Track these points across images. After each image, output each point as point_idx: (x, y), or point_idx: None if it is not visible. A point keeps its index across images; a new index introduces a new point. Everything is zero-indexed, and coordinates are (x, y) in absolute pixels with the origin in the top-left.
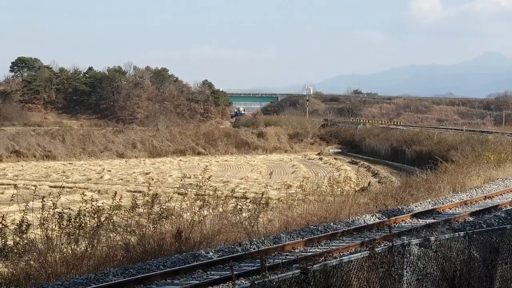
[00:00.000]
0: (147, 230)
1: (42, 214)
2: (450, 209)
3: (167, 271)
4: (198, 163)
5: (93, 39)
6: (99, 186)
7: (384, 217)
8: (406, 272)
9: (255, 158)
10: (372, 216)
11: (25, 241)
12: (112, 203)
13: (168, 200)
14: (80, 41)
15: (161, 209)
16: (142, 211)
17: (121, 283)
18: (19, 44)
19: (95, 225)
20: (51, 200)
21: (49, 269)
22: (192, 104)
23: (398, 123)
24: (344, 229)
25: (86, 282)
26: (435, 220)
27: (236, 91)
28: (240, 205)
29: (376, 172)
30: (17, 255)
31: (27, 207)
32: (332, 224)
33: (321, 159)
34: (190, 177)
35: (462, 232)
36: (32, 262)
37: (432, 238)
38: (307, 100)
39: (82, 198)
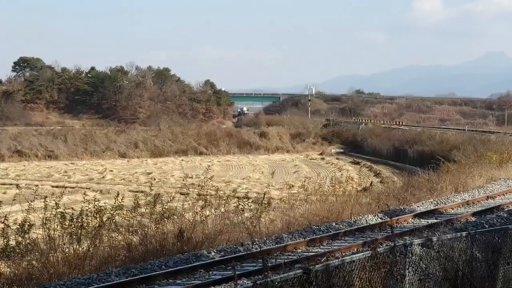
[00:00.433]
0: (149, 230)
1: (44, 214)
2: (452, 209)
3: (169, 271)
4: (200, 163)
5: (95, 39)
6: (101, 186)
7: (386, 217)
8: (408, 272)
9: (257, 158)
10: (374, 216)
11: (27, 241)
12: (114, 203)
13: (170, 200)
14: (82, 41)
15: (163, 209)
16: (144, 211)
17: (123, 283)
18: (21, 44)
19: (97, 225)
20: (53, 200)
21: (51, 269)
22: (194, 104)
23: (400, 123)
24: (346, 229)
25: (88, 282)
26: (437, 220)
27: (238, 91)
28: (242, 205)
29: (378, 172)
30: (19, 255)
31: (29, 207)
32: (334, 224)
33: (323, 159)
34: (192, 177)
35: (464, 232)
36: (34, 262)
37: (434, 238)
38: (309, 100)
39: (84, 198)
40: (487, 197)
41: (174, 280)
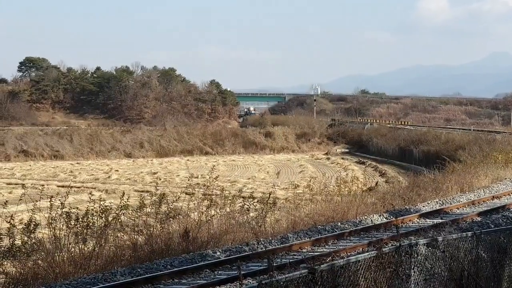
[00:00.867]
0: (155, 229)
1: (50, 213)
2: (458, 209)
3: (175, 271)
4: (206, 163)
5: (101, 39)
6: (107, 185)
7: (391, 217)
8: (414, 272)
9: (263, 158)
10: (380, 216)
11: (33, 240)
12: (120, 202)
13: (176, 200)
14: (88, 41)
15: (169, 209)
16: (149, 210)
17: (128, 283)
18: (27, 44)
19: (102, 224)
20: (59, 199)
21: (57, 268)
22: (200, 104)
23: (406, 123)
24: (352, 229)
25: (93, 282)
26: (443, 220)
27: (243, 91)
28: (248, 205)
29: (383, 172)
30: (25, 254)
31: (35, 206)
32: (339, 224)
33: (328, 159)
34: (197, 177)
35: (470, 232)
36: (40, 262)
37: (440, 238)
38: (315, 100)
39: (90, 198)
40: (493, 197)
41: (179, 279)
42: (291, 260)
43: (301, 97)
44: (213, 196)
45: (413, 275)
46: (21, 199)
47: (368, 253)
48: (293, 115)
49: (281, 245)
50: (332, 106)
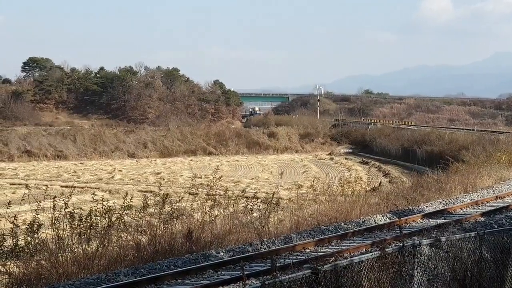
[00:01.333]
0: (158, 230)
1: (53, 214)
2: (461, 209)
3: (178, 271)
4: (209, 163)
5: (105, 40)
6: (110, 186)
7: (395, 217)
8: (417, 272)
9: (266, 158)
10: (383, 216)
11: (37, 241)
12: (123, 203)
13: (179, 200)
14: (92, 42)
15: (172, 209)
16: (153, 211)
17: (132, 283)
18: (30, 44)
19: (106, 225)
20: (62, 200)
21: (60, 269)
22: (203, 104)
23: (409, 123)
24: (355, 229)
25: (97, 282)
26: (446, 221)
27: (247, 91)
28: (251, 205)
29: (387, 172)
30: (29, 255)
31: (39, 207)
32: (343, 224)
33: (332, 159)
34: (201, 177)
35: (473, 233)
36: (43, 262)
37: (443, 239)
38: (318, 100)
39: (93, 198)
40: (496, 197)
41: (182, 280)
42: (294, 261)
43: (304, 97)
44: (216, 196)
45: (416, 275)
46: (24, 199)
47: (371, 254)
48: (296, 115)
49: (285, 246)
50: (335, 106)
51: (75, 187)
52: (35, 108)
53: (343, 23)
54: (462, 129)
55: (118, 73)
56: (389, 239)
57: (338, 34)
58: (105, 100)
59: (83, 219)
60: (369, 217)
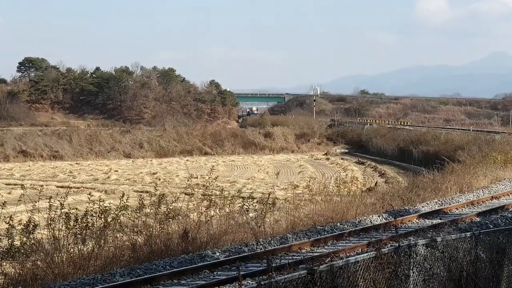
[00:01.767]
0: (154, 230)
1: (49, 214)
2: (457, 209)
3: (174, 272)
4: (205, 163)
5: (101, 40)
6: (106, 186)
7: (390, 217)
8: (413, 272)
9: (262, 158)
10: (379, 216)
11: (32, 241)
12: (119, 203)
13: (175, 200)
14: (87, 42)
15: (168, 209)
16: (149, 211)
17: (127, 284)
18: (26, 44)
19: (102, 225)
20: (58, 200)
21: (56, 269)
22: (199, 104)
23: (405, 123)
24: (351, 230)
25: (93, 283)
26: (442, 221)
27: (243, 91)
28: (247, 205)
29: (383, 172)
30: (24, 255)
31: (34, 207)
32: (338, 224)
33: (328, 159)
34: (197, 177)
35: (469, 233)
36: (39, 263)
37: (439, 239)
38: (314, 100)
39: (89, 198)
40: (492, 197)
41: (178, 280)
42: (290, 261)
43: (300, 98)
44: (212, 197)
45: (412, 275)
46: (20, 200)
47: (367, 254)
48: (292, 116)
49: (280, 246)
50: (331, 107)
51: (71, 187)
52: (30, 108)
53: (341, 23)
54: (458, 129)
55: (114, 73)
56: (385, 239)
57: (335, 34)
58: (101, 100)
59: (79, 220)
60: (365, 217)
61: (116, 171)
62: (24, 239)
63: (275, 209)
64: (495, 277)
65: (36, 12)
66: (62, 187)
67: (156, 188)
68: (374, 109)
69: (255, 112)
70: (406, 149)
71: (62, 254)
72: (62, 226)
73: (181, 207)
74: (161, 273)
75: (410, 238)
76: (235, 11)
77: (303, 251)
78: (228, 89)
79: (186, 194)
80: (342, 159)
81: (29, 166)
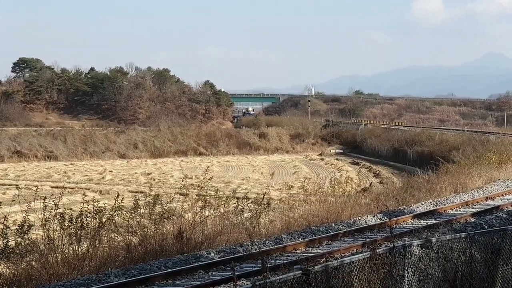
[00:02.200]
0: (149, 230)
1: (43, 214)
2: (452, 210)
3: (169, 272)
4: (200, 163)
5: (95, 40)
6: (101, 186)
7: (385, 217)
8: (408, 273)
9: (257, 159)
10: (374, 216)
11: (27, 242)
12: (114, 203)
13: (170, 201)
14: (82, 42)
15: (163, 210)
16: (143, 211)
17: (122, 284)
18: (20, 44)
19: (96, 225)
20: (52, 200)
21: (50, 270)
22: (194, 104)
23: (400, 124)
24: (346, 230)
25: (87, 283)
26: (437, 221)
27: (238, 91)
28: (242, 206)
29: (377, 172)
30: (19, 256)
31: (29, 207)
32: (333, 224)
33: (322, 159)
34: (191, 178)
35: (464, 233)
36: (33, 263)
37: (434, 239)
38: (309, 101)
39: (84, 199)
40: (486, 197)
41: (173, 280)
42: (285, 261)
43: (295, 98)
44: (207, 197)
45: (407, 276)
46: (14, 200)
47: (362, 254)
48: (287, 116)
49: (275, 246)
50: (326, 107)
51: (65, 187)
52: (25, 109)
53: (336, 23)
54: (453, 129)
55: (108, 73)
56: (380, 240)
57: (330, 34)
58: (95, 100)
59: (74, 220)
60: (359, 217)
61: (111, 171)
62: (19, 239)
63: (270, 210)
64: (489, 277)
65: (36, 12)
66: (56, 187)
67: (151, 188)
68: (369, 110)
69: (251, 112)
70: (400, 150)
71: (57, 254)
72: (56, 227)
73: (176, 207)
74: (156, 273)
75: (405, 238)
76: (235, 11)
77: (298, 251)
78: (222, 90)
79: (180, 194)
80: (336, 159)
81: (24, 166)
